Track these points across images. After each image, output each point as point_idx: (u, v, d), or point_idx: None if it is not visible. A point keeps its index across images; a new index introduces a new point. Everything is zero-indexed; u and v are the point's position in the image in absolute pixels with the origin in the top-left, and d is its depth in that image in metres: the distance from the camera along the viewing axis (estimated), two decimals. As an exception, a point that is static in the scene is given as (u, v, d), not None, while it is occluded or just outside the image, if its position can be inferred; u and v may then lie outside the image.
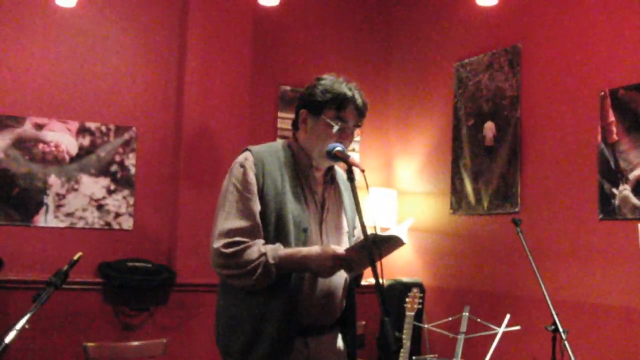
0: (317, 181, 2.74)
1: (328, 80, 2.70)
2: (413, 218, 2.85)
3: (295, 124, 2.77)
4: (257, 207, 2.57)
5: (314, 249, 2.53)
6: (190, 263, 5.26)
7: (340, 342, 2.78)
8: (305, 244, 2.58)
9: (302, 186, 2.68)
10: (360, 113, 2.68)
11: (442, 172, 5.75)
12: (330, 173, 2.79)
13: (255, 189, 2.58)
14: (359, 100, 2.66)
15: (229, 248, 2.51)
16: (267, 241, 2.56)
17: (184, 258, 5.27)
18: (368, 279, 5.84)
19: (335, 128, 2.63)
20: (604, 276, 4.34)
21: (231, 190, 2.61)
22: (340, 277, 2.68)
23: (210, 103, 5.43)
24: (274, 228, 2.58)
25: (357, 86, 2.72)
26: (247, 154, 2.68)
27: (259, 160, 2.63)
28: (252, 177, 2.59)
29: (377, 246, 2.43)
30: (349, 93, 2.65)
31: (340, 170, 2.85)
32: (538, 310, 4.31)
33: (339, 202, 2.81)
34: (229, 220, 2.55)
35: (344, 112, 2.65)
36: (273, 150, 2.72)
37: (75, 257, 2.56)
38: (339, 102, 2.64)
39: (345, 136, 2.65)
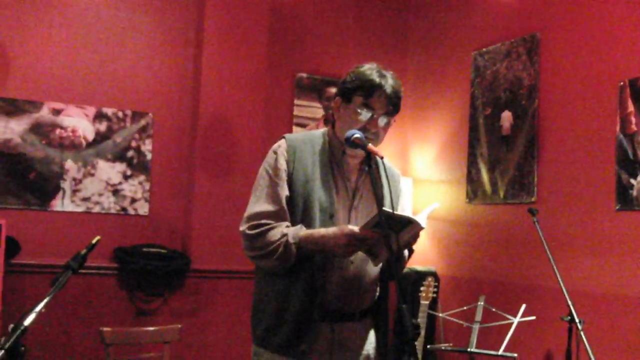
0: (351, 168, 2.74)
1: (362, 67, 2.68)
2: (438, 203, 2.82)
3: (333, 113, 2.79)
4: (284, 192, 2.62)
5: (332, 229, 2.54)
6: (205, 249, 5.28)
7: (372, 334, 2.79)
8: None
9: (334, 173, 2.70)
10: (390, 101, 2.63)
11: (459, 161, 5.73)
12: (368, 161, 2.72)
13: (284, 174, 2.63)
14: (388, 88, 2.62)
15: (253, 230, 2.58)
16: (294, 226, 2.60)
17: (199, 244, 5.29)
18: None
19: (362, 116, 2.62)
20: (621, 267, 4.32)
21: (263, 176, 2.68)
22: (368, 264, 2.67)
23: (227, 90, 5.43)
24: (300, 213, 2.62)
25: (394, 75, 2.69)
26: (281, 141, 2.72)
27: (292, 147, 2.68)
28: (282, 163, 2.65)
29: (393, 227, 2.41)
30: (377, 80, 2.61)
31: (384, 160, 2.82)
32: (554, 300, 4.30)
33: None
34: (257, 204, 2.63)
35: (371, 100, 2.62)
36: (308, 138, 2.76)
37: (94, 241, 2.55)
38: (367, 89, 2.61)
39: (373, 124, 2.63)
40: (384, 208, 2.41)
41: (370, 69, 2.66)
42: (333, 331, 2.64)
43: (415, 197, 6.04)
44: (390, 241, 2.29)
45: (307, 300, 2.56)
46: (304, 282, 2.57)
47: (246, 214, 2.65)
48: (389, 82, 2.63)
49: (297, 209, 2.62)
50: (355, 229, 2.48)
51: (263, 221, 2.58)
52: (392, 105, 2.65)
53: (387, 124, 2.69)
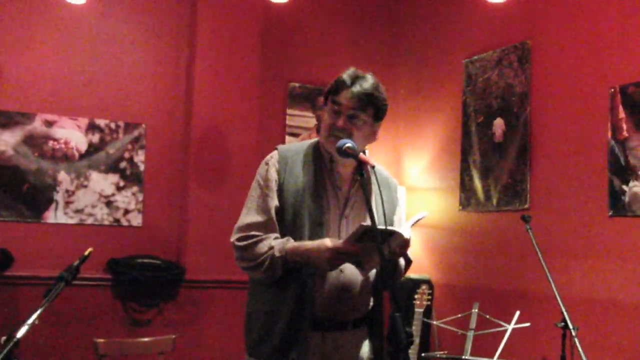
0: (342, 177, 2.74)
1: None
2: (426, 212, 2.82)
3: None
4: (273, 202, 2.64)
5: (316, 242, 2.54)
6: (199, 259, 5.28)
7: (366, 343, 2.77)
8: (321, 238, 2.57)
9: (325, 183, 2.70)
10: (355, 97, 2.62)
11: (451, 169, 5.74)
12: (360, 170, 2.65)
13: (274, 185, 2.66)
14: (355, 85, 2.63)
15: (242, 241, 2.62)
16: (284, 236, 2.61)
17: (192, 254, 5.29)
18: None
19: (329, 114, 2.66)
20: (614, 273, 4.33)
21: (255, 187, 2.71)
22: (359, 274, 2.66)
23: (220, 100, 5.44)
24: (290, 223, 2.63)
25: (370, 76, 2.70)
26: (273, 152, 2.76)
27: (283, 158, 2.70)
28: (272, 174, 2.67)
29: (377, 239, 2.36)
30: (343, 77, 2.65)
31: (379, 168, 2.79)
32: (548, 307, 4.30)
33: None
34: (248, 215, 2.66)
35: (338, 96, 2.65)
36: (300, 148, 2.77)
37: (86, 253, 2.56)
38: (335, 87, 2.67)
39: (342, 122, 2.61)
40: (362, 223, 2.42)
41: (344, 72, 2.69)
42: (324, 340, 2.63)
43: (408, 205, 6.04)
44: (384, 254, 2.29)
45: (296, 309, 2.56)
46: (293, 291, 2.57)
47: (237, 225, 2.69)
48: (357, 80, 2.65)
49: (286, 219, 2.63)
50: (338, 242, 2.49)
51: (252, 233, 2.61)
52: (360, 100, 2.63)
53: (355, 118, 2.64)
